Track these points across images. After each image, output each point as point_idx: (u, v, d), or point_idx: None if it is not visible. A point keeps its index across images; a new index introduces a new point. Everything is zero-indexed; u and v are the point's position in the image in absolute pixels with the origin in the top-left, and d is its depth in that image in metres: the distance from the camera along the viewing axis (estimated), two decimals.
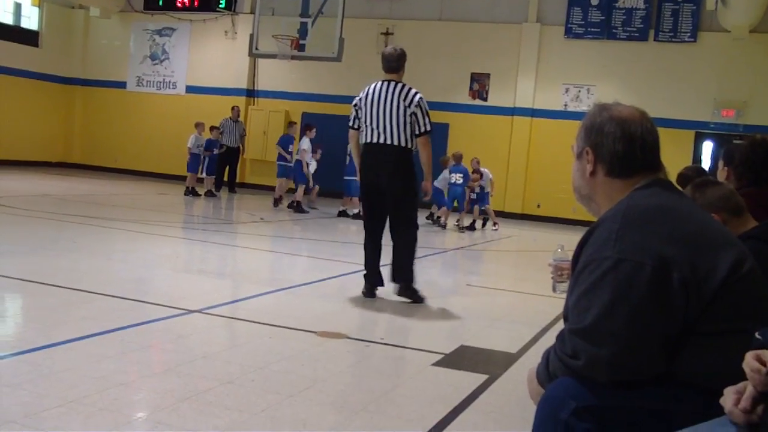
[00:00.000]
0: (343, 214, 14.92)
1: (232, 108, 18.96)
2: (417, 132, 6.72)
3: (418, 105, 6.67)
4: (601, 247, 1.94)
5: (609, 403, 1.87)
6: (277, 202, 16.03)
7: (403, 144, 6.67)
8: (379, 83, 6.80)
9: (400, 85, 6.73)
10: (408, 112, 6.65)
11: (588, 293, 1.92)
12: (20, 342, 4.53)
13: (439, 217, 15.12)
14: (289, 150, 15.96)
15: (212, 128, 17.91)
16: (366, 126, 6.77)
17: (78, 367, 3.98)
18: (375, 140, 6.71)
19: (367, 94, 6.78)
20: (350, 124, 6.96)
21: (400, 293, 6.75)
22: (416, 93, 6.71)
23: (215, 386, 3.87)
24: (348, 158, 15.75)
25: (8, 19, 21.47)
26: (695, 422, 1.70)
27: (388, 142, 6.67)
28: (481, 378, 4.52)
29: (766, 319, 1.83)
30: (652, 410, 1.86)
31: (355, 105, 6.85)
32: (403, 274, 6.76)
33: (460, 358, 5.00)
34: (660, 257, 1.87)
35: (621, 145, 2.14)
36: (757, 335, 1.64)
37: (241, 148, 19.13)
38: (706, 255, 1.90)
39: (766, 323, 1.74)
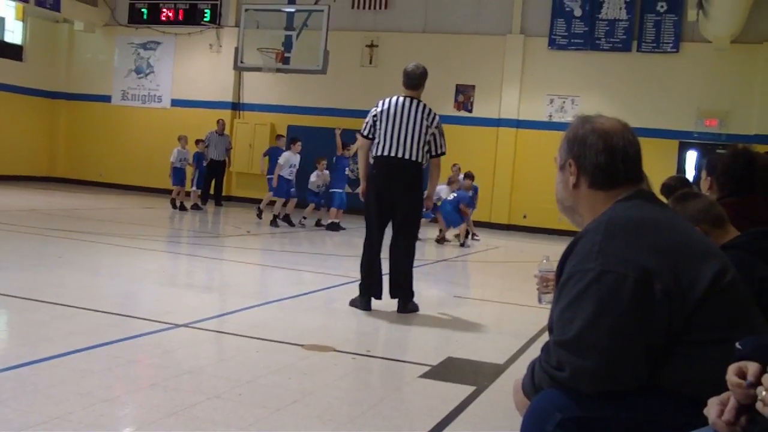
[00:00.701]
0: (332, 226, 14.84)
1: (218, 121, 18.94)
2: (433, 153, 6.89)
3: (437, 126, 6.87)
4: (584, 258, 1.96)
5: (594, 414, 1.88)
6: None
7: (419, 160, 6.80)
8: (401, 98, 6.85)
9: (422, 104, 6.85)
10: (429, 132, 6.79)
11: (572, 305, 1.93)
12: (5, 358, 4.50)
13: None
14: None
15: (198, 141, 17.86)
16: (383, 138, 6.78)
17: (63, 383, 3.97)
18: (392, 154, 6.75)
19: (388, 107, 6.81)
20: (365, 133, 6.94)
21: (403, 310, 6.79)
22: (436, 114, 6.90)
23: (202, 401, 3.86)
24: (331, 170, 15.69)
25: None
26: None
27: (406, 156, 6.74)
28: (469, 389, 4.53)
29: (749, 328, 1.85)
30: (637, 420, 1.87)
31: (375, 116, 6.85)
32: (406, 288, 6.85)
33: (447, 370, 5.01)
34: (642, 269, 1.89)
35: (603, 158, 2.16)
36: (737, 345, 1.65)
37: (227, 161, 19.10)
38: (689, 266, 1.92)
39: (749, 333, 1.76)
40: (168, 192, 17.48)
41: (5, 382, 3.95)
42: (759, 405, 1.51)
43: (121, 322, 5.60)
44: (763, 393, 1.50)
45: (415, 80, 6.91)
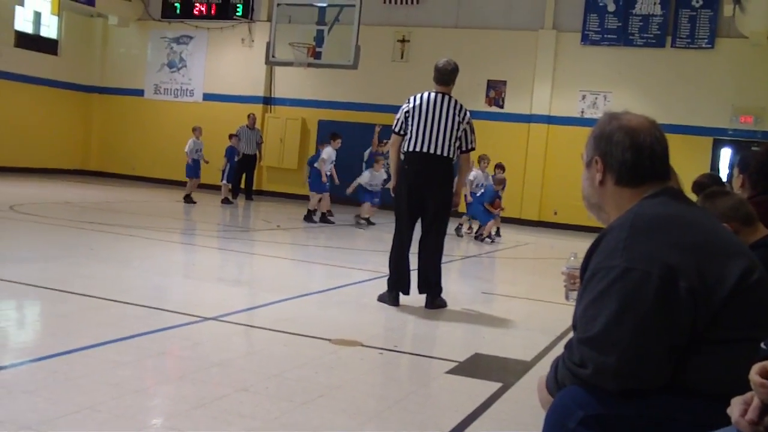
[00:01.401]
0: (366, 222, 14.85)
1: (249, 115, 19.02)
2: (464, 148, 6.92)
3: (468, 122, 6.90)
4: (609, 255, 1.95)
5: (617, 411, 1.87)
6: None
7: (450, 155, 6.83)
8: (432, 94, 6.86)
9: (453, 100, 6.87)
10: (461, 128, 6.82)
11: (596, 302, 1.92)
12: (37, 348, 4.58)
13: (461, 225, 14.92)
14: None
15: (231, 136, 17.88)
16: (416, 134, 6.78)
17: (94, 373, 4.02)
18: (425, 149, 6.76)
19: (420, 103, 6.82)
20: (396, 129, 6.94)
21: (431, 305, 6.80)
22: (467, 110, 6.94)
23: (230, 393, 3.89)
24: (365, 165, 15.69)
25: (28, 28, 21.69)
26: (703, 431, 1.70)
27: (438, 152, 6.76)
28: (495, 386, 4.52)
29: None
30: (659, 419, 1.86)
31: (406, 112, 6.85)
32: (435, 284, 6.86)
33: (474, 366, 5.01)
34: (667, 266, 1.87)
35: (630, 155, 2.14)
36: (762, 345, 1.64)
37: (258, 155, 19.20)
38: (715, 263, 1.90)
39: None
40: (201, 186, 17.40)
41: (37, 372, 4.02)
42: None
43: (151, 314, 5.66)
44: None
45: (446, 76, 6.92)
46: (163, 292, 6.84)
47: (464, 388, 4.48)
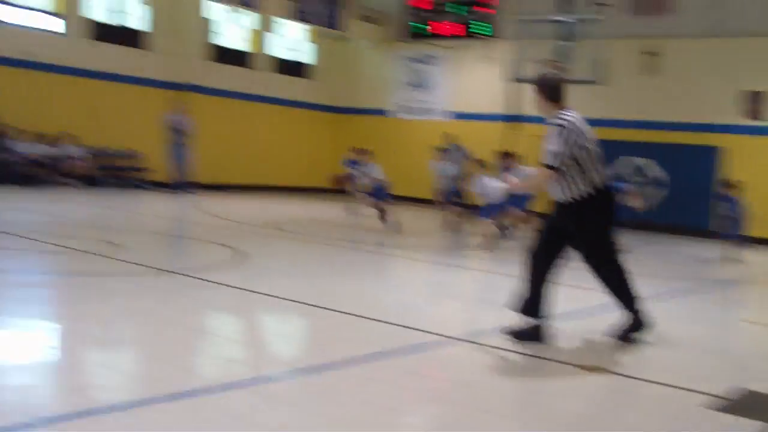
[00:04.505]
0: None
1: (445, 134, 18.64)
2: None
3: None
4: None
5: None
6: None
7: None
8: (577, 114, 5.98)
9: None
10: None
11: None
12: (294, 361, 4.83)
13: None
14: None
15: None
16: (593, 166, 5.80)
17: (346, 389, 4.17)
18: (607, 183, 5.88)
19: (582, 128, 5.84)
20: (557, 164, 5.69)
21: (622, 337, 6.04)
22: None
23: (475, 414, 3.88)
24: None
25: (288, 55, 23.30)
26: None
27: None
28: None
29: None
30: None
31: (582, 147, 5.75)
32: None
33: (740, 404, 4.61)
34: None
35: None
36: None
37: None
38: None
39: None
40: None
41: (295, 385, 4.25)
42: None
43: (401, 333, 5.77)
44: None
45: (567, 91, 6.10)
46: (413, 311, 6.92)
47: (726, 427, 4.15)
